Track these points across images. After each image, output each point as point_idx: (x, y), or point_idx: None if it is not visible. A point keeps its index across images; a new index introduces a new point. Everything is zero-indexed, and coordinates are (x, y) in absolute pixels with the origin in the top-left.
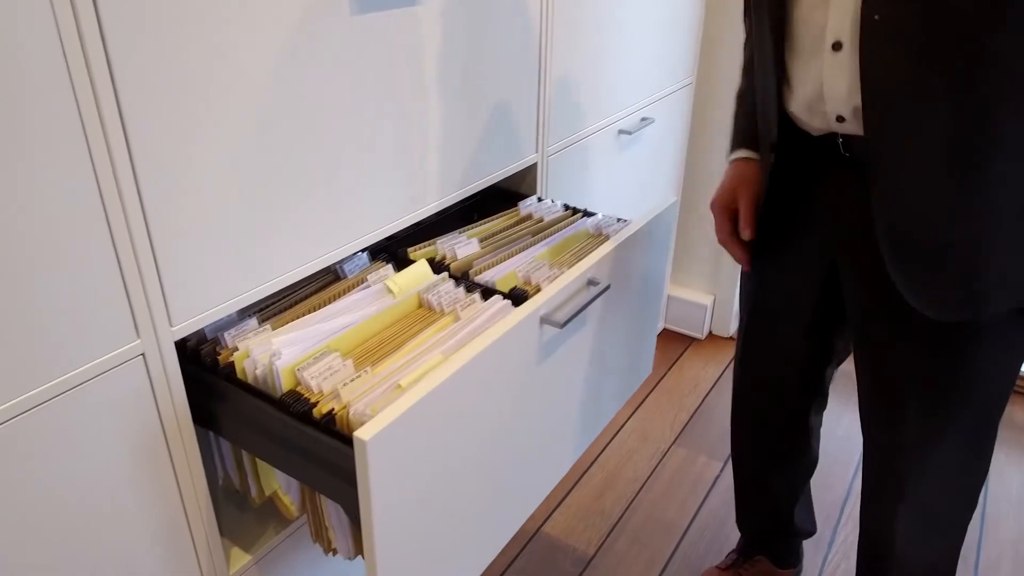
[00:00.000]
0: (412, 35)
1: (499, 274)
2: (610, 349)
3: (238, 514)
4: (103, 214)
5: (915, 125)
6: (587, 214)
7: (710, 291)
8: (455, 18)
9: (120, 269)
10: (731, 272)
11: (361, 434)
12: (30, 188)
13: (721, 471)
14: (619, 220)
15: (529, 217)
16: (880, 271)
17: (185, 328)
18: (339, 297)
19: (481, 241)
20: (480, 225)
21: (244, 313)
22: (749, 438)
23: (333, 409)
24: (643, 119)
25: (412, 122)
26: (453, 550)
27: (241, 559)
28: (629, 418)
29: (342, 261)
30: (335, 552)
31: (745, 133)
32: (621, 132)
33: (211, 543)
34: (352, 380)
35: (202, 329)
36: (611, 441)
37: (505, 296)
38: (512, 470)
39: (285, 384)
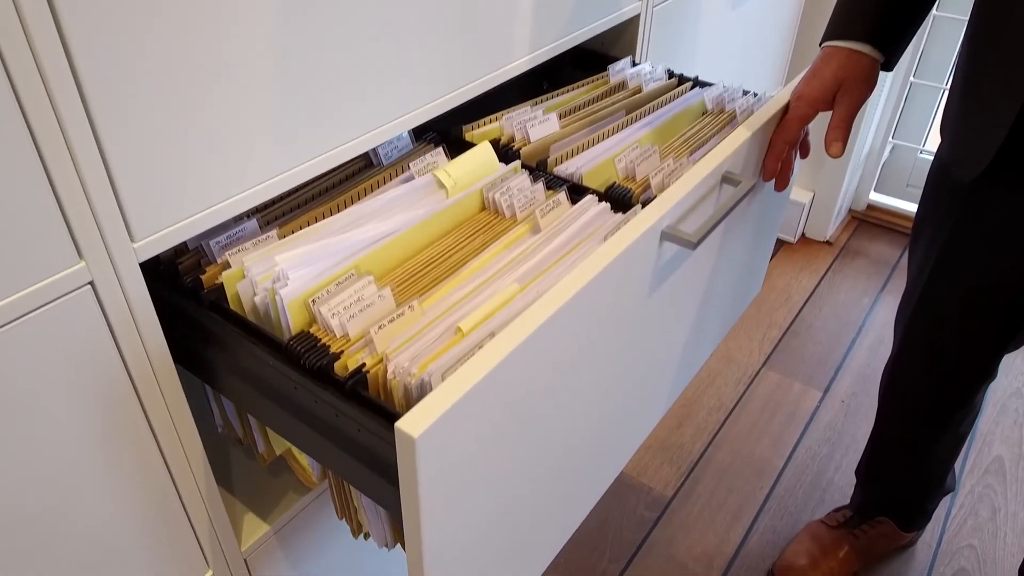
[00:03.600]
0: None
1: (589, 163)
2: (726, 267)
3: (252, 467)
4: None
5: None
6: (699, 84)
7: (809, 187)
8: None
9: (41, 159)
10: (835, 165)
11: (407, 426)
12: None
13: (821, 401)
14: (746, 93)
15: (622, 86)
16: None
17: (154, 243)
18: (371, 193)
19: (561, 117)
20: (557, 97)
21: (242, 216)
22: (924, 388)
23: (364, 364)
24: None
25: None
26: (524, 540)
27: (257, 530)
28: None
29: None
30: (367, 536)
31: (873, 18)
32: None
33: (214, 517)
34: (391, 320)
35: (184, 242)
36: None
37: (601, 197)
38: (597, 434)
39: (295, 323)
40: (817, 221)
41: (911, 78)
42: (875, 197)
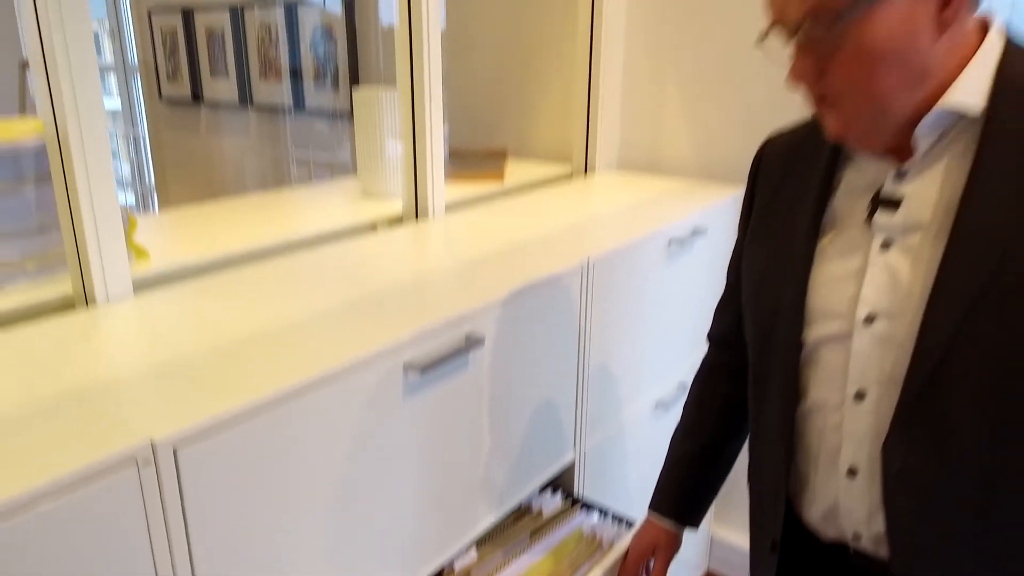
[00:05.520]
0: (457, 395)
1: None
2: None
3: None
4: None
5: (946, 560)
6: (586, 507)
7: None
8: (501, 362)
9: None
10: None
11: None
12: None
13: None
14: (616, 521)
15: (529, 510)
16: None
17: None
18: None
19: (479, 546)
20: None
21: None
22: None
23: None
24: (681, 384)
25: (447, 473)
26: None
27: None
28: None
29: None
30: None
31: (674, 503)
32: (658, 405)
33: None
34: None
35: None
36: None
37: None
38: None
39: None
40: None
41: None
42: None
